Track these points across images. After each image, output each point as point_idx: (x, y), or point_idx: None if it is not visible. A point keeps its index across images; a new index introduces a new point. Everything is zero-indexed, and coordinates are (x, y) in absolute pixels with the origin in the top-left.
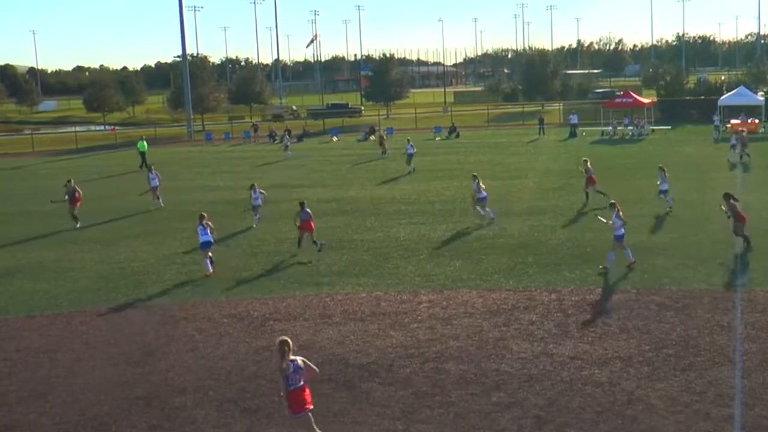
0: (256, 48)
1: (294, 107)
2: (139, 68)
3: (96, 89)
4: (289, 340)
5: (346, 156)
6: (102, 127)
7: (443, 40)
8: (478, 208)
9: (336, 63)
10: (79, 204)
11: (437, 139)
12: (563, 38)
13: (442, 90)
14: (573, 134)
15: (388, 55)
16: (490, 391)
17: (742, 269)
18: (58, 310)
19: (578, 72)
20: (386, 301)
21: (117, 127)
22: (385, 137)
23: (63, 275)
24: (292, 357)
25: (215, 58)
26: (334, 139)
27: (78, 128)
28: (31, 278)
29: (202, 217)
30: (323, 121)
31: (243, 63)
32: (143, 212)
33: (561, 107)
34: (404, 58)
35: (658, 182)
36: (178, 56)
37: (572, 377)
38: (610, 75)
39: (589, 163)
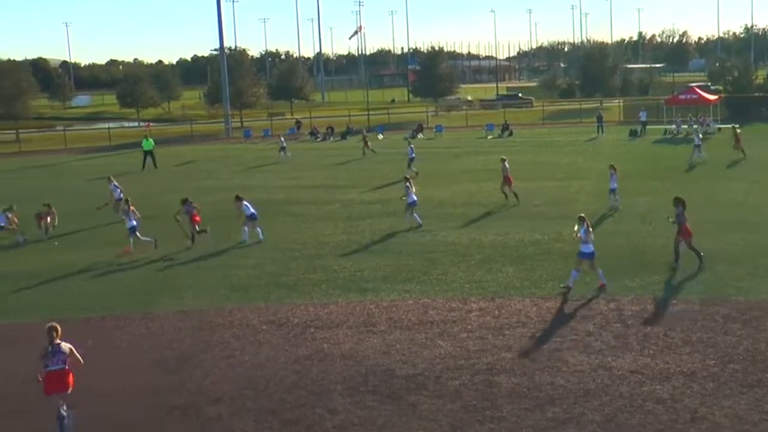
0: (297, 41)
1: (469, 98)
2: (174, 62)
3: (130, 84)
4: (58, 326)
5: (392, 155)
6: (136, 124)
7: (495, 32)
8: (407, 213)
9: (382, 57)
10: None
11: (489, 137)
12: (623, 30)
13: (495, 85)
14: (635, 133)
15: (436, 49)
16: (544, 406)
17: None
18: (89, 313)
19: (639, 66)
20: (434, 308)
21: (151, 124)
22: (369, 138)
23: (96, 277)
24: (58, 341)
25: (254, 51)
26: (380, 136)
27: (111, 124)
28: (64, 281)
29: (127, 202)
30: (368, 118)
31: (283, 56)
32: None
33: (621, 104)
34: (454, 51)
35: (609, 181)
36: (216, 49)
37: (632, 392)
38: (673, 70)
39: (506, 162)
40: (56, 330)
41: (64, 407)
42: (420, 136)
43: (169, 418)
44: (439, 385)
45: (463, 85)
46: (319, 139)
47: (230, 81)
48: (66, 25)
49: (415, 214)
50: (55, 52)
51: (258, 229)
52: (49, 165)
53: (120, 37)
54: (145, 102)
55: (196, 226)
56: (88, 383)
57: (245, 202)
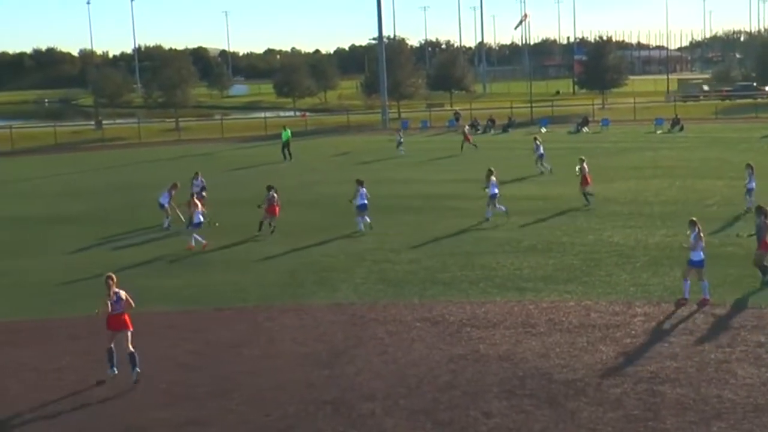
0: (458, 29)
1: (705, 87)
2: (332, 51)
3: (287, 73)
4: (114, 276)
5: (555, 149)
6: (292, 113)
7: (667, 20)
8: (489, 206)
9: (546, 46)
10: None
11: (658, 132)
12: None
13: (665, 77)
14: None
15: (604, 38)
16: (710, 420)
17: None
18: (244, 303)
19: None
20: (596, 311)
21: (308, 114)
22: (468, 132)
23: (250, 267)
24: (115, 290)
25: (413, 40)
26: (543, 130)
27: (267, 114)
28: (220, 270)
29: (193, 196)
30: (531, 110)
31: (443, 46)
32: (333, 204)
33: None
34: (622, 41)
35: (746, 181)
36: (374, 38)
37: None
38: None
39: (585, 164)
40: (112, 279)
41: (130, 345)
42: (585, 129)
43: (321, 413)
44: (599, 392)
45: (632, 77)
46: (479, 132)
47: (388, 71)
48: (225, 14)
49: (490, 207)
50: (214, 41)
51: (363, 218)
52: (206, 153)
53: (278, 26)
54: (301, 91)
55: (270, 218)
56: (243, 374)
57: (363, 190)
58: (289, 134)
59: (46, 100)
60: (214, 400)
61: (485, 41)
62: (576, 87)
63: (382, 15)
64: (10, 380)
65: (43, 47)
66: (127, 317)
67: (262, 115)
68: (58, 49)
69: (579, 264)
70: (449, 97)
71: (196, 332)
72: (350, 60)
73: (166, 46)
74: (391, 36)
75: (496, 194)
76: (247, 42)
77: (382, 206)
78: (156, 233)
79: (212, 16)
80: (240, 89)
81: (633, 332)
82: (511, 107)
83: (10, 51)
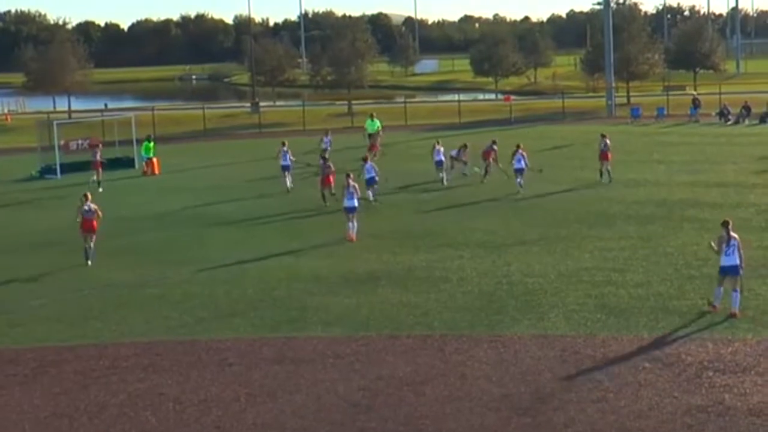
0: None
1: None
2: (544, 19)
3: (487, 46)
4: (89, 194)
5: None
6: (493, 96)
7: None
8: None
9: None
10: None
11: None
12: None
13: None
14: None
15: None
16: None
17: None
18: (428, 330)
19: None
20: None
21: (513, 97)
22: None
23: (436, 286)
24: (89, 203)
25: (648, 5)
26: None
27: (462, 96)
28: (398, 287)
29: (348, 176)
30: None
31: (686, 13)
32: (539, 210)
33: None
34: None
35: None
36: (599, 3)
37: None
38: None
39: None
40: (87, 197)
41: (91, 244)
42: None
43: None
44: None
45: None
46: (729, 122)
47: (616, 44)
48: None
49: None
50: (397, 7)
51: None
52: (386, 144)
53: None
54: (505, 69)
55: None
56: (424, 419)
57: (369, 164)
58: (377, 125)
59: (194, 77)
60: None
61: (740, 7)
62: None
63: None
64: (146, 412)
65: (192, 14)
66: (95, 223)
67: (455, 97)
68: (210, 16)
69: None
70: (692, 78)
71: (368, 364)
72: (568, 30)
73: (339, 12)
74: (621, 0)
75: (441, 160)
76: (438, 7)
77: (605, 214)
78: (324, 239)
79: None
80: (428, 65)
81: None
82: None
83: (154, 18)
